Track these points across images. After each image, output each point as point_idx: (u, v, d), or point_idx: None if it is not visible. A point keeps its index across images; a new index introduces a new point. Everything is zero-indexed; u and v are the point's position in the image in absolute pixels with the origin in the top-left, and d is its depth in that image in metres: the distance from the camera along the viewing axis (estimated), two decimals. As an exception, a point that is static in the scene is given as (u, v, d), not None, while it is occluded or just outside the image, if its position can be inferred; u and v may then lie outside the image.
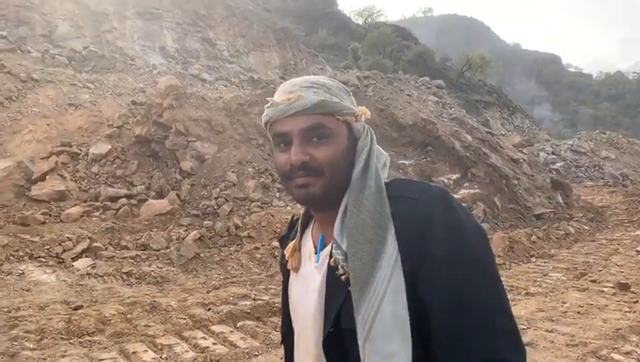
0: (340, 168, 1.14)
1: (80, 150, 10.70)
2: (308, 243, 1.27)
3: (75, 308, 5.63)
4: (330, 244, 1.16)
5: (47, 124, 11.34)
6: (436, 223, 1.05)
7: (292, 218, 1.42)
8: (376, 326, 1.02)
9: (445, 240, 1.04)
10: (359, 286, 1.04)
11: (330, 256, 1.14)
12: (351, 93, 1.23)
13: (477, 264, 1.04)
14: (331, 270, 1.13)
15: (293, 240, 1.30)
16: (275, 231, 8.59)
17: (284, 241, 1.38)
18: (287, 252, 1.30)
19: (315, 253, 1.22)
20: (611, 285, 7.10)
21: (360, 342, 1.03)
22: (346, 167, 1.15)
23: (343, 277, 1.08)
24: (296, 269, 1.27)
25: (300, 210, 1.37)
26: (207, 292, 6.47)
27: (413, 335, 1.01)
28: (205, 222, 8.75)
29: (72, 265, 7.17)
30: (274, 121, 1.17)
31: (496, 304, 1.03)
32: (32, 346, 4.68)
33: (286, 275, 1.35)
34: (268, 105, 1.19)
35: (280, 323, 1.48)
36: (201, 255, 7.87)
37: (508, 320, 1.03)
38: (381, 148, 1.23)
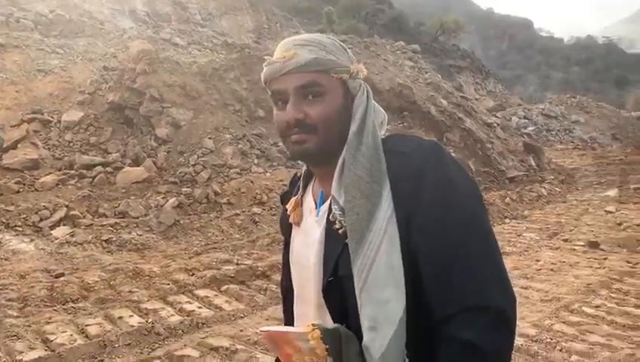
0: (335, 125, 1.17)
1: (52, 117, 10.41)
2: (309, 199, 1.31)
3: (57, 276, 5.60)
4: (329, 199, 1.21)
5: (16, 91, 10.97)
6: (427, 176, 1.09)
7: (294, 175, 1.45)
8: (372, 275, 1.07)
9: (435, 192, 1.08)
10: (356, 239, 1.09)
11: (330, 210, 1.18)
12: (348, 50, 1.25)
13: (467, 215, 1.08)
14: (330, 223, 1.18)
15: (296, 196, 1.34)
16: (255, 198, 8.60)
17: (285, 197, 1.42)
18: (289, 206, 1.34)
19: (316, 207, 1.27)
20: (582, 243, 7.38)
21: (357, 292, 1.08)
22: (341, 124, 1.18)
23: (340, 231, 1.13)
24: (298, 223, 1.31)
25: (299, 169, 1.40)
26: (189, 258, 6.50)
27: (408, 287, 1.06)
28: (183, 189, 8.68)
29: (51, 234, 7.09)
30: (272, 80, 1.20)
31: (487, 253, 1.07)
32: (15, 314, 4.67)
33: (287, 232, 1.39)
34: (266, 63, 1.21)
35: (280, 279, 1.53)
36: (181, 222, 7.84)
37: (498, 269, 1.07)
38: (379, 106, 1.26)
